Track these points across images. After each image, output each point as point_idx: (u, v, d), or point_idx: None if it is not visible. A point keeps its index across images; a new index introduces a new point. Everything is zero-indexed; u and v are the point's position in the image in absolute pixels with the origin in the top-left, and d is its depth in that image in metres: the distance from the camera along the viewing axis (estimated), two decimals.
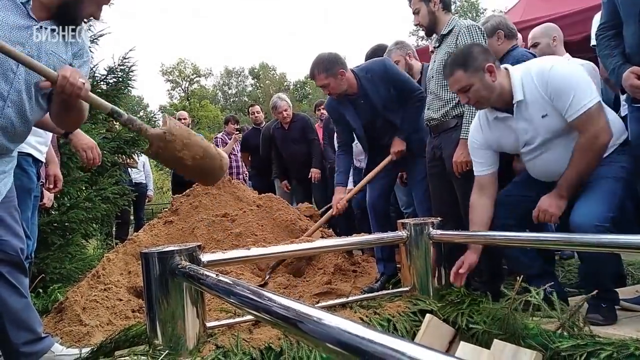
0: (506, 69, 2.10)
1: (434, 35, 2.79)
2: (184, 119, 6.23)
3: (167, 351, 1.65)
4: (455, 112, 2.59)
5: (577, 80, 1.93)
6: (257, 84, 43.93)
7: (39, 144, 2.28)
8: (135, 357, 1.64)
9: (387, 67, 2.87)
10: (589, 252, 1.88)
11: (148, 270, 1.76)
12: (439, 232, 2.34)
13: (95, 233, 4.34)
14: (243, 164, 6.10)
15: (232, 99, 43.01)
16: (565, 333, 1.71)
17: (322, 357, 1.84)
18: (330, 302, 2.18)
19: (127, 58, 5.25)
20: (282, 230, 3.55)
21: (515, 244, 2.05)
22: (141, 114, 33.43)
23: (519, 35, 3.06)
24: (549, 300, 1.83)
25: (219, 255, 1.94)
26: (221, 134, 6.38)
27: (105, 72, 5.28)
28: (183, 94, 35.96)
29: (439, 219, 2.41)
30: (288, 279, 3.11)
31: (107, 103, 1.64)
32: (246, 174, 6.13)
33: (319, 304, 2.13)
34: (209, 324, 1.84)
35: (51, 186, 2.53)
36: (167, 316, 1.72)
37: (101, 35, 4.79)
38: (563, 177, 1.96)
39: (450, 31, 2.65)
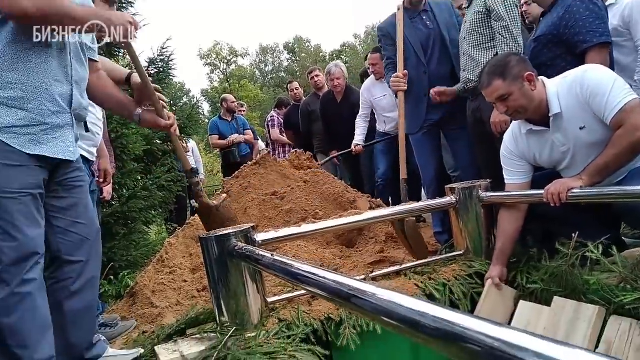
0: (542, 81, 2.02)
1: None
2: (233, 102, 6.36)
3: (234, 327, 1.75)
4: None
5: (612, 79, 1.86)
6: (293, 58, 43.72)
7: (88, 146, 2.41)
8: (205, 335, 1.75)
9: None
10: None
11: (208, 254, 1.85)
12: (489, 194, 2.31)
13: (155, 219, 4.57)
14: (287, 145, 6.15)
15: (269, 76, 43.12)
16: (628, 286, 1.67)
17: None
18: (385, 270, 2.22)
19: (165, 48, 5.38)
20: (330, 204, 3.60)
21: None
22: (184, 100, 34.20)
23: None
24: (607, 254, 1.78)
25: (272, 234, 2.02)
26: (275, 113, 6.42)
27: (147, 64, 5.46)
28: (222, 76, 36.37)
29: (488, 181, 2.37)
30: (341, 250, 3.18)
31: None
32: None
33: (373, 273, 2.17)
34: (270, 299, 1.93)
35: (101, 180, 2.64)
36: (230, 295, 1.81)
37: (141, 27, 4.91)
38: (591, 162, 1.89)
39: None
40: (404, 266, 2.24)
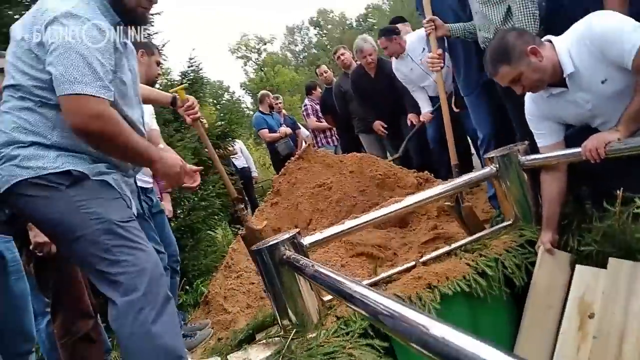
0: (549, 41, 1.94)
1: None
2: (273, 97, 6.54)
3: (295, 330, 1.87)
4: (507, 26, 2.42)
5: (620, 22, 1.77)
6: (320, 32, 43.17)
7: (142, 175, 2.60)
8: (270, 340, 1.89)
9: None
10: None
11: (260, 264, 1.98)
12: (530, 157, 2.26)
13: (219, 224, 4.81)
14: (328, 130, 6.21)
15: (301, 56, 42.92)
16: None
17: (435, 309, 1.94)
18: (435, 253, 2.25)
19: (193, 58, 5.58)
20: (376, 186, 3.64)
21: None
22: (226, 96, 34.87)
23: None
24: None
25: (317, 237, 2.11)
26: (308, 101, 6.49)
27: (180, 78, 5.71)
28: (256, 66, 36.65)
29: (526, 142, 2.33)
30: (395, 232, 3.23)
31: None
32: (336, 137, 6.21)
33: (423, 258, 2.21)
34: (325, 298, 2.03)
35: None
36: (287, 299, 1.93)
37: (164, 45, 5.11)
38: (624, 112, 1.81)
39: None
40: (453, 246, 2.26)
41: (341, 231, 2.11)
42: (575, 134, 2.12)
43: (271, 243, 1.98)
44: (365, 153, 4.38)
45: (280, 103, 7.12)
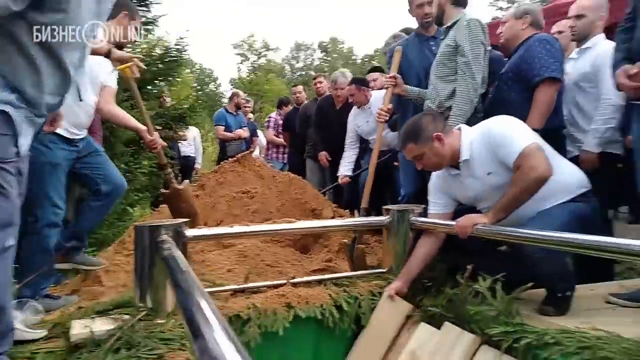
0: (459, 129, 2.22)
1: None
2: (243, 99, 6.64)
3: (145, 312, 1.94)
4: (449, 103, 2.67)
5: (513, 128, 2.06)
6: (325, 58, 43.90)
7: (71, 126, 2.61)
8: (120, 316, 1.95)
9: None
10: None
11: (138, 242, 2.05)
12: (420, 219, 2.45)
13: (139, 202, 4.80)
14: (282, 147, 6.36)
15: (298, 73, 43.40)
16: (502, 319, 1.80)
17: (285, 327, 2.07)
18: (306, 278, 2.39)
19: (183, 38, 5.63)
20: (296, 209, 3.77)
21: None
22: (211, 86, 34.77)
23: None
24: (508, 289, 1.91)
25: (203, 231, 2.22)
26: (275, 114, 6.68)
27: (161, 52, 5.75)
28: (251, 68, 36.82)
29: (422, 206, 2.52)
30: (294, 254, 3.35)
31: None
32: (287, 156, 6.36)
33: (294, 279, 2.34)
34: None
35: None
36: (149, 283, 2.01)
37: (159, 17, 5.17)
38: (497, 201, 2.03)
39: (453, 24, 2.71)
40: (326, 276, 2.41)
41: (226, 233, 2.22)
42: (464, 211, 2.33)
43: (154, 224, 2.07)
44: (303, 177, 4.51)
45: (248, 107, 7.24)
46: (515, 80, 2.64)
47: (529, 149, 1.93)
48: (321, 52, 44.74)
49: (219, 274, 2.63)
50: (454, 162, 2.18)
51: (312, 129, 5.19)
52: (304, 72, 42.73)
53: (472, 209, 2.25)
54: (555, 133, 2.53)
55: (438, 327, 2.07)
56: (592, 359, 1.51)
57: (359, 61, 41.15)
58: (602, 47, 2.69)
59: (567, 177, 2.04)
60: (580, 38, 2.84)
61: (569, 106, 2.81)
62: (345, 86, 4.69)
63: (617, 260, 2.74)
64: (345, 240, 2.90)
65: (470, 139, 2.14)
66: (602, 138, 2.59)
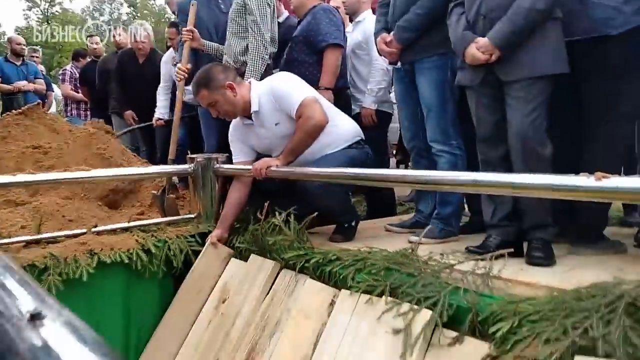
0: (250, 82, 2.42)
1: None
2: (19, 44, 5.68)
3: None
4: (244, 58, 2.89)
5: (293, 83, 2.34)
6: (134, 13, 40.23)
7: None
8: None
9: None
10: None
11: None
12: (223, 166, 2.61)
13: None
14: (82, 102, 5.81)
15: (104, 27, 39.02)
16: (295, 245, 2.09)
17: (89, 272, 2.03)
18: (110, 226, 2.35)
19: None
20: (101, 166, 3.55)
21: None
22: None
23: None
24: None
25: None
26: (70, 67, 5.96)
27: None
28: (42, 17, 31.64)
29: (225, 155, 2.68)
30: (102, 209, 3.20)
31: None
32: (89, 112, 5.86)
33: (97, 228, 2.29)
34: None
35: None
36: None
37: None
38: (286, 146, 2.31)
39: None
40: (132, 224, 2.41)
41: (9, 182, 2.04)
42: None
43: None
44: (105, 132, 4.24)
45: (36, 56, 6.35)
46: (305, 44, 2.93)
47: (307, 100, 2.23)
48: (129, 6, 40.81)
49: (10, 231, 2.40)
50: (246, 112, 2.38)
51: (114, 85, 4.90)
52: (109, 27, 38.58)
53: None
54: (342, 92, 2.93)
55: (246, 260, 2.29)
56: (362, 267, 1.87)
57: (174, 18, 38.77)
58: (370, 21, 3.12)
59: (344, 128, 2.42)
60: (351, 13, 3.29)
61: (350, 71, 3.25)
62: (147, 39, 4.59)
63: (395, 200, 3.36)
64: (155, 192, 2.89)
65: (258, 92, 2.35)
66: (377, 97, 3.08)
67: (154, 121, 4.33)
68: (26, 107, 3.69)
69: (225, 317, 2.12)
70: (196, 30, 3.06)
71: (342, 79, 2.95)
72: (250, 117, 2.38)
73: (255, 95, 2.33)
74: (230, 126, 2.53)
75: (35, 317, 0.45)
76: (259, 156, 2.55)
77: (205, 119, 3.27)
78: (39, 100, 4.20)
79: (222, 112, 2.36)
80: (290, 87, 2.30)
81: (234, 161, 2.54)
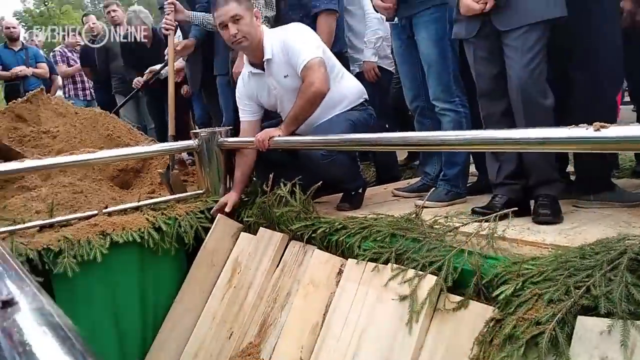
0: (263, 28, 2.32)
1: None
2: (8, 27, 5.61)
3: None
4: None
5: (306, 39, 2.24)
6: None
7: None
8: None
9: None
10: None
11: None
12: (228, 140, 2.60)
13: None
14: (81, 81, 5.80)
15: (100, 3, 38.49)
16: (302, 216, 2.10)
17: (102, 253, 2.08)
18: (120, 207, 2.38)
19: None
20: (109, 147, 3.59)
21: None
22: None
23: None
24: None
25: None
26: (60, 47, 5.91)
27: None
28: None
29: (228, 128, 2.66)
30: (114, 190, 3.25)
31: None
32: (90, 92, 5.85)
33: (108, 209, 2.32)
34: None
35: None
36: None
37: None
38: (286, 116, 2.27)
39: None
40: (142, 203, 2.44)
41: (18, 168, 2.07)
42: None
43: None
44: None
45: (39, 41, 6.31)
46: (298, 7, 2.83)
47: (312, 62, 2.15)
48: None
49: (24, 216, 2.45)
50: (257, 58, 2.30)
51: (118, 63, 4.84)
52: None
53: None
54: (340, 57, 2.86)
55: (255, 233, 2.31)
56: (368, 235, 1.88)
57: None
58: None
59: (348, 90, 2.37)
60: None
61: (345, 32, 3.17)
62: (146, 27, 4.42)
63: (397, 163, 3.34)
64: (160, 170, 2.91)
65: (271, 41, 2.27)
66: (375, 48, 3.01)
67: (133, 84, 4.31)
68: (30, 94, 3.68)
69: (238, 290, 2.17)
70: (177, 2, 2.99)
71: (338, 43, 2.88)
72: (259, 65, 2.32)
73: (268, 43, 2.25)
74: (238, 81, 2.48)
75: (7, 304, 0.46)
76: (265, 116, 2.54)
77: (223, 90, 3.25)
78: (42, 86, 4.17)
79: (242, 32, 2.20)
80: (302, 42, 2.21)
81: (240, 118, 2.49)
